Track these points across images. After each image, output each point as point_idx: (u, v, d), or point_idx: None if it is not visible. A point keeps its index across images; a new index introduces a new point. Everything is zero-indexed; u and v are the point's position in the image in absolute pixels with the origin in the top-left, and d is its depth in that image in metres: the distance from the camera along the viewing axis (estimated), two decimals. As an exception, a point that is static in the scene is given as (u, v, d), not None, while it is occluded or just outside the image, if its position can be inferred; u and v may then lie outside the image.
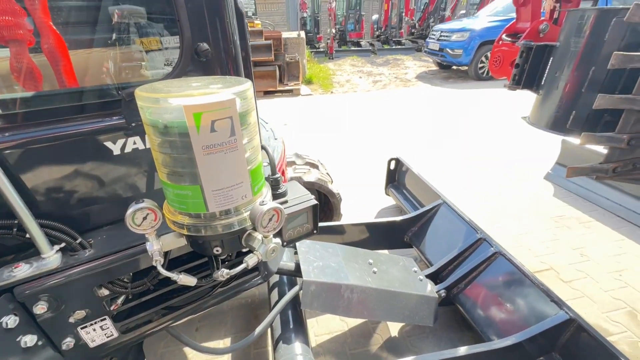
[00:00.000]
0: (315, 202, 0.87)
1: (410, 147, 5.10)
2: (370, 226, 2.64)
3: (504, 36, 2.90)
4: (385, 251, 2.84)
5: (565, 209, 3.34)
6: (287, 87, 8.51)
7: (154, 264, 0.78)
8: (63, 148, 0.87)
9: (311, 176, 2.73)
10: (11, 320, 0.82)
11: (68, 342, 0.95)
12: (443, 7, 14.71)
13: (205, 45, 0.90)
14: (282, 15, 20.60)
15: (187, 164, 0.62)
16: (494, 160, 4.46)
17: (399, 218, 2.63)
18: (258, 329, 1.58)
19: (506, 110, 6.51)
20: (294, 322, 1.79)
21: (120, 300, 1.03)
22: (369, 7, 20.94)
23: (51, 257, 0.88)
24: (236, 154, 0.63)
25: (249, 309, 2.41)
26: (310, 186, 2.73)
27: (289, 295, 1.69)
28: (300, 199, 0.90)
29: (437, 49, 9.73)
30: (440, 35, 9.70)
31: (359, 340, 2.15)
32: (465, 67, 9.66)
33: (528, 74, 2.36)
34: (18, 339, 0.85)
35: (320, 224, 2.49)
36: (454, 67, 10.64)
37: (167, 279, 0.86)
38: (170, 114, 0.58)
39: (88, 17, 1.23)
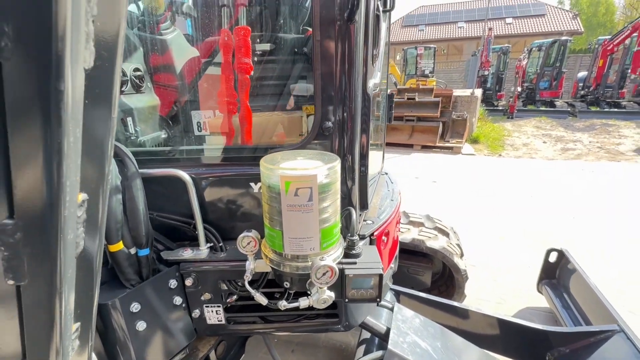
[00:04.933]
0: (380, 272, 0.91)
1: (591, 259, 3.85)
2: (502, 323, 2.16)
3: None
4: (514, 363, 2.25)
5: None
6: (447, 144, 8.26)
7: (245, 277, 1.06)
8: (228, 182, 1.31)
9: (436, 243, 2.57)
10: (173, 283, 1.28)
11: (196, 312, 1.36)
12: None
13: (329, 124, 1.16)
14: (460, 72, 20.38)
15: (277, 214, 0.86)
16: None
17: (546, 327, 2.06)
18: (331, 376, 1.63)
19: None
20: (369, 388, 1.72)
21: (234, 298, 1.38)
22: (575, 64, 17.80)
23: (204, 250, 1.31)
24: (310, 215, 0.82)
25: (339, 354, 2.45)
26: (432, 254, 2.56)
27: (369, 356, 1.66)
28: (369, 264, 0.96)
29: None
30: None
31: None
32: None
33: None
34: (173, 297, 1.30)
35: (436, 299, 2.27)
36: None
37: (268, 296, 1.11)
38: (273, 179, 0.84)
39: (271, 90, 1.77)
